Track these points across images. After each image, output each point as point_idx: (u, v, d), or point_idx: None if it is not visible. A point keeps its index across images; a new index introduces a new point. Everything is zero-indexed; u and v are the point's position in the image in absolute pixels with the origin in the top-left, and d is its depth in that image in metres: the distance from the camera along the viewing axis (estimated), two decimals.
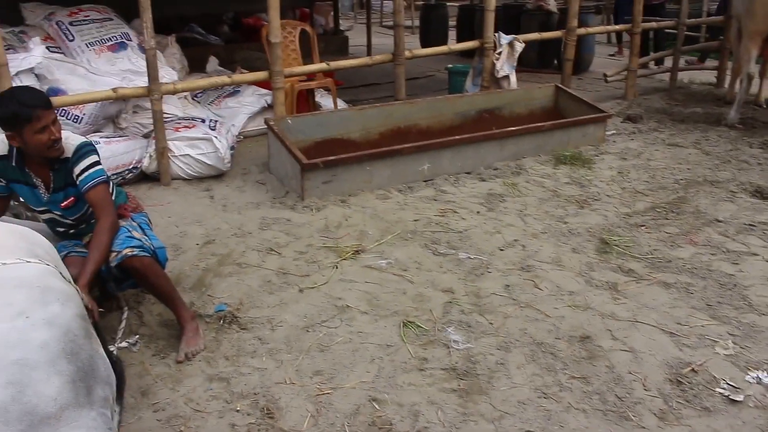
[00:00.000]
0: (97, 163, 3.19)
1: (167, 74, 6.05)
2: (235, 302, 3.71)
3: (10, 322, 2.15)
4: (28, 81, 5.33)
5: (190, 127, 5.64)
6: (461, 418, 2.84)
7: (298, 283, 3.92)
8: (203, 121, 5.84)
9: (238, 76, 6.11)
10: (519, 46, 7.11)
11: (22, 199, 3.49)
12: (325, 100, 7.38)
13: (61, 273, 2.59)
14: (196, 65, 7.88)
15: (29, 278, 2.38)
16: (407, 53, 6.58)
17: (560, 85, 7.01)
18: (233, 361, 3.24)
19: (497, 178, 5.62)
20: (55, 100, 5.30)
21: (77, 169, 3.15)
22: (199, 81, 6.05)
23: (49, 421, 2.02)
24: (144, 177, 5.61)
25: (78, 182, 3.16)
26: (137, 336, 3.41)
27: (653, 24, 9.09)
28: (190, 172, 5.52)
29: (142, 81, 5.90)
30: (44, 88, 5.48)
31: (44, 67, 5.51)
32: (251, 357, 3.27)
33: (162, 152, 5.36)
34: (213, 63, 8.23)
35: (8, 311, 2.17)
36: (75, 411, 2.10)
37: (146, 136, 5.95)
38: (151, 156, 5.46)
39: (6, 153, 3.19)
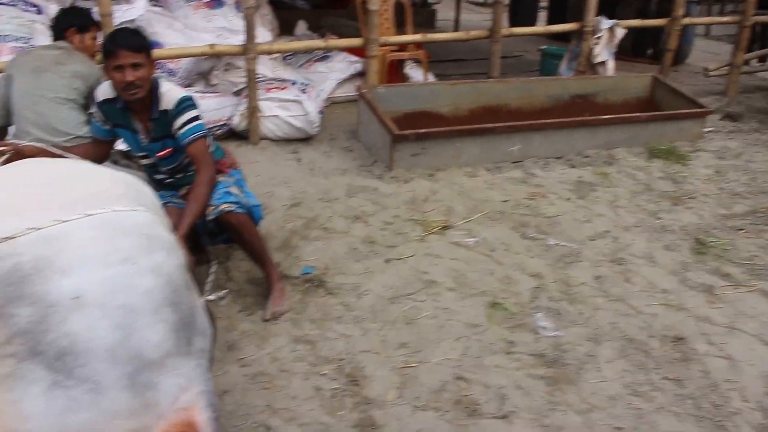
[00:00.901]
0: (198, 117, 3.20)
1: (261, 35, 6.06)
2: (321, 266, 3.71)
3: (117, 268, 2.16)
4: None
5: (281, 89, 5.64)
6: (548, 407, 2.78)
7: (384, 253, 3.89)
8: (294, 83, 5.84)
9: (332, 41, 6.06)
10: (620, 32, 6.87)
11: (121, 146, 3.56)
12: (413, 72, 7.29)
13: (164, 223, 2.62)
14: (283, 28, 7.89)
15: (136, 226, 2.40)
16: (504, 31, 6.43)
17: (658, 76, 6.76)
18: (319, 324, 3.24)
19: (588, 166, 5.46)
20: (153, 52, 5.38)
21: (178, 122, 3.16)
22: (293, 43, 6.05)
23: (153, 366, 2.03)
24: (233, 134, 5.65)
25: (178, 135, 3.17)
26: (226, 290, 3.45)
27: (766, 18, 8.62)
28: (278, 133, 5.53)
29: (236, 39, 5.93)
30: None
31: (144, 20, 5.59)
32: (337, 322, 3.26)
33: (252, 111, 5.38)
34: (302, 27, 8.23)
35: (115, 257, 2.19)
36: (177, 359, 2.11)
37: (236, 93, 5.99)
38: (241, 114, 5.48)
39: (113, 96, 3.23)
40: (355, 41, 5.89)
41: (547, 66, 7.99)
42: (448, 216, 4.38)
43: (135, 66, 3.05)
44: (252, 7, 5.19)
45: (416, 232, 4.14)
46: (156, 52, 5.13)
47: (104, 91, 3.26)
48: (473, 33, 6.46)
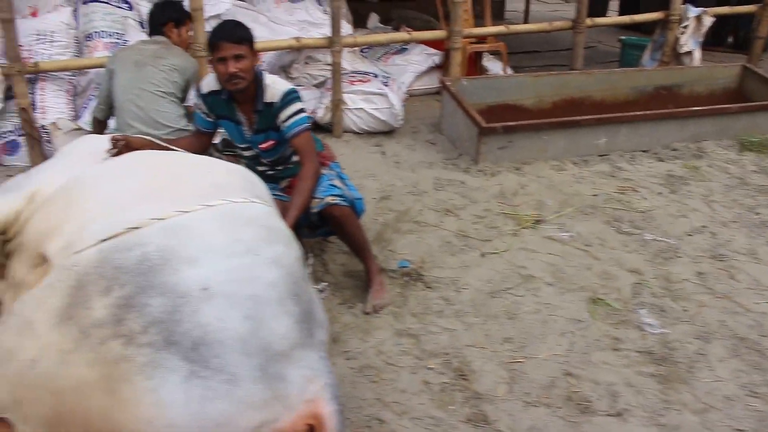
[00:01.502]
0: (303, 110, 3.22)
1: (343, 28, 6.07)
2: (417, 260, 3.70)
3: (240, 259, 2.19)
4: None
5: (364, 81, 5.64)
6: (663, 405, 2.71)
7: (478, 247, 3.85)
8: (376, 76, 5.84)
9: (416, 34, 6.04)
10: (708, 21, 6.67)
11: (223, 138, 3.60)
12: (491, 65, 7.21)
13: (278, 215, 2.64)
14: (354, 21, 7.89)
15: (256, 217, 2.43)
16: (588, 21, 6.30)
17: (748, 65, 6.53)
18: (420, 318, 3.23)
19: (676, 160, 5.31)
20: None
21: (282, 115, 3.19)
22: (378, 36, 6.05)
23: (282, 358, 2.05)
24: (316, 127, 5.67)
25: (283, 128, 3.20)
26: (325, 283, 3.46)
27: None
28: (362, 126, 5.54)
29: (318, 32, 5.97)
30: None
31: (230, 14, 5.65)
32: (438, 316, 3.24)
33: (337, 104, 5.40)
34: (374, 19, 8.23)
35: (237, 248, 2.22)
36: (302, 351, 2.13)
37: (317, 86, 6.02)
38: (326, 107, 5.51)
39: (218, 89, 3.27)
40: (438, 33, 5.87)
41: (627, 57, 7.81)
42: (539, 210, 4.32)
43: (237, 57, 3.09)
44: (338, 0, 5.20)
45: (509, 226, 4.09)
46: None
47: (209, 83, 3.31)
48: (557, 24, 6.36)
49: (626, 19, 6.96)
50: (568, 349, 3.03)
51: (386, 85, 5.67)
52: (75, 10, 5.34)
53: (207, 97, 3.32)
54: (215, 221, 2.29)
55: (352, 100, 5.48)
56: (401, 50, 7.01)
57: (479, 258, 3.74)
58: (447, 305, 3.33)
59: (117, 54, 4.06)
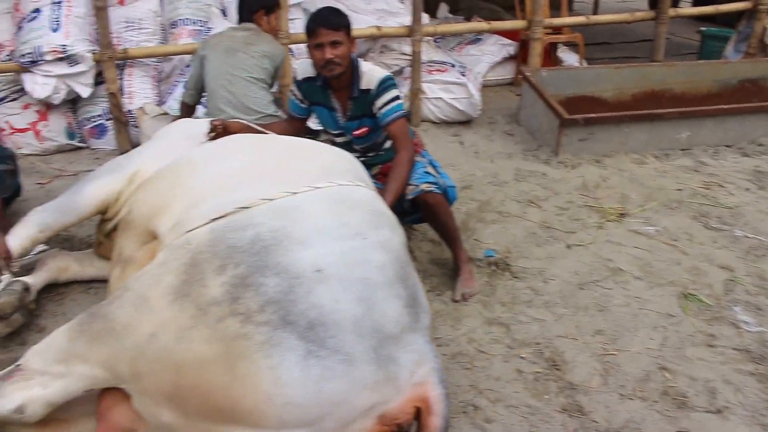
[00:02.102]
0: (398, 97, 3.24)
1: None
2: (502, 250, 3.69)
3: (350, 242, 2.22)
4: (297, 14, 5.53)
5: (442, 71, 5.64)
6: (765, 405, 2.65)
7: (563, 238, 3.83)
8: (453, 66, 5.82)
9: (495, 24, 6.01)
10: None
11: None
12: (566, 56, 7.12)
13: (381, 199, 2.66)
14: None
15: (362, 200, 2.46)
16: (671, 12, 6.16)
17: None
18: (509, 307, 3.23)
19: (763, 155, 5.15)
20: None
21: (379, 102, 3.21)
22: (458, 25, 6.05)
23: (392, 341, 2.07)
24: None
25: (378, 114, 3.22)
26: None
27: None
28: (440, 115, 5.54)
29: (394, 21, 5.97)
30: None
31: (309, 2, 5.71)
32: (527, 306, 3.23)
33: (415, 93, 5.41)
34: (443, 9, 8.19)
35: (346, 231, 2.25)
36: (410, 335, 2.15)
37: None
38: (404, 96, 5.51)
39: (314, 75, 3.31)
40: (518, 23, 5.83)
41: (707, 49, 7.60)
42: (623, 203, 4.25)
43: (334, 44, 3.12)
44: None
45: (593, 219, 4.05)
46: None
47: (304, 69, 3.35)
48: (638, 14, 6.24)
49: (711, 9, 6.77)
50: (662, 343, 2.98)
51: (463, 75, 5.65)
52: None
53: (302, 84, 3.36)
54: (323, 203, 2.32)
55: (430, 89, 5.48)
56: (475, 40, 6.97)
57: (565, 249, 3.71)
58: (535, 295, 3.31)
59: (208, 40, 4.14)
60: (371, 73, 3.22)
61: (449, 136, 5.35)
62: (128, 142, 5.05)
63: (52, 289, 3.43)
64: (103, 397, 2.27)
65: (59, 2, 4.88)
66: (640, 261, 3.61)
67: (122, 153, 5.00)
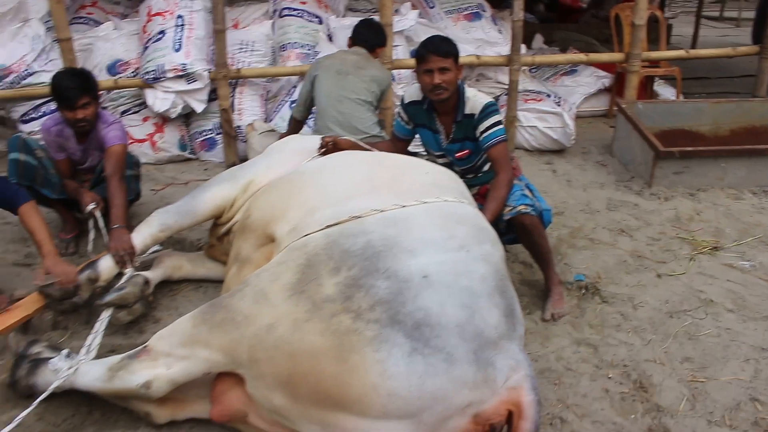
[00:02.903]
0: (500, 122, 3.40)
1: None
2: (593, 275, 3.77)
3: (455, 253, 2.39)
4: (399, 41, 5.77)
5: (537, 100, 5.77)
6: None
7: (654, 268, 3.87)
8: (548, 96, 5.93)
9: (593, 56, 6.11)
10: None
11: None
12: (662, 90, 7.12)
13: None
14: None
15: (467, 216, 2.63)
16: None
17: None
18: (598, 330, 3.31)
19: None
20: (412, 61, 5.69)
21: (482, 126, 3.37)
22: (556, 56, 6.19)
23: (491, 346, 2.22)
24: None
25: (481, 138, 3.38)
26: None
27: None
28: (533, 143, 5.66)
29: (492, 50, 6.13)
30: (409, 49, 5.92)
31: (413, 31, 5.95)
32: (616, 330, 3.30)
33: (511, 121, 5.55)
34: (538, 40, 8.29)
35: (452, 243, 2.42)
36: (507, 342, 2.29)
37: None
38: None
39: (420, 99, 3.51)
40: (616, 56, 5.90)
41: None
42: (717, 237, 4.26)
43: (442, 70, 3.31)
44: (520, 20, 5.36)
45: (685, 251, 4.07)
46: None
47: (411, 93, 3.56)
48: (741, 49, 6.21)
49: None
50: (753, 375, 3.00)
51: (558, 105, 5.76)
52: (273, 23, 5.80)
53: (408, 107, 3.57)
54: (430, 216, 2.51)
55: (525, 117, 5.61)
56: (570, 71, 7.06)
57: (655, 278, 3.76)
58: (624, 320, 3.38)
59: (321, 61, 4.41)
60: (475, 98, 3.40)
61: (542, 164, 5.46)
62: (235, 155, 5.37)
63: (165, 285, 3.71)
64: (218, 381, 2.50)
65: (182, 25, 5.27)
66: (734, 294, 3.62)
67: (229, 165, 5.33)
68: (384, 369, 2.07)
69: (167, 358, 2.50)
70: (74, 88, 3.83)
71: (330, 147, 3.35)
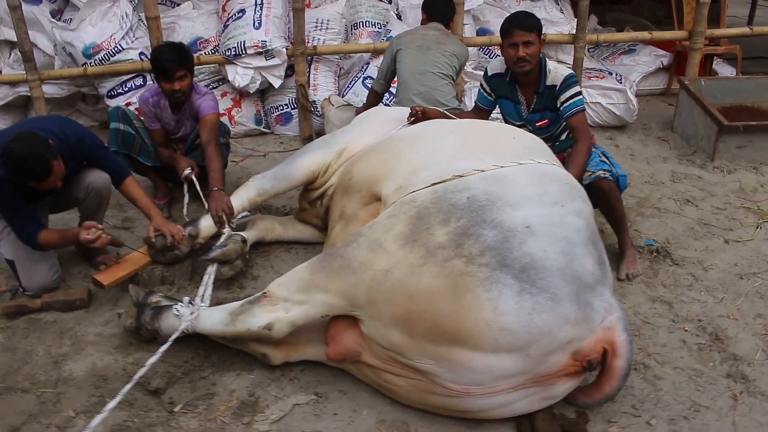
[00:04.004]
0: (580, 93, 3.61)
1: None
2: (662, 240, 3.97)
3: (551, 208, 2.63)
4: (466, 20, 5.96)
5: (600, 78, 5.92)
6: None
7: (721, 234, 4.06)
8: (610, 73, 6.08)
9: (657, 34, 6.23)
10: None
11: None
12: (721, 68, 7.20)
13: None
14: None
15: (558, 176, 2.86)
16: None
17: None
18: (671, 289, 3.52)
19: None
20: (481, 39, 5.92)
21: (562, 97, 3.59)
22: (620, 34, 6.33)
23: (588, 289, 2.46)
24: None
25: (561, 108, 3.59)
26: None
27: None
28: (596, 119, 5.82)
29: (553, 29, 6.29)
30: (475, 27, 6.12)
31: (479, 10, 6.15)
32: (688, 289, 3.51)
33: None
34: (592, 21, 8.37)
35: (547, 198, 2.66)
36: (601, 287, 2.53)
37: None
38: None
39: (503, 71, 3.74)
40: (679, 33, 6.03)
41: None
42: None
43: (527, 44, 3.53)
44: (586, 0, 5.53)
45: (750, 219, 4.25)
46: (488, 39, 5.71)
47: (494, 66, 3.78)
48: None
49: None
50: None
51: (620, 83, 5.91)
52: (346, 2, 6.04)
53: (491, 79, 3.79)
54: (526, 175, 2.74)
55: (589, 94, 5.76)
56: (629, 50, 7.17)
57: (723, 244, 3.95)
58: (695, 281, 3.58)
59: (401, 37, 4.63)
60: (557, 71, 3.61)
61: (604, 139, 5.62)
62: (311, 129, 5.63)
63: (258, 247, 3.99)
64: (333, 323, 2.77)
65: (261, 4, 5.52)
66: None
67: (305, 138, 5.62)
68: (496, 306, 2.32)
69: (285, 302, 2.78)
70: (172, 60, 4.10)
71: (419, 116, 3.59)
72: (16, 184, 3.31)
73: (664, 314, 3.31)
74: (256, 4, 5.53)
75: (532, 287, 2.34)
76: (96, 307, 3.51)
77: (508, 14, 6.17)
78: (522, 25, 3.53)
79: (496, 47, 6.10)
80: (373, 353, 2.67)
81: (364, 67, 5.78)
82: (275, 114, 5.81)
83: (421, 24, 4.81)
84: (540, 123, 3.73)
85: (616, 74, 6.13)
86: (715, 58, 7.15)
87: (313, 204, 3.86)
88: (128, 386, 2.66)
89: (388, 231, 2.62)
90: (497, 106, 3.92)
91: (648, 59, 6.98)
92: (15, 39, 5.68)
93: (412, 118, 3.62)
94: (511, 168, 2.77)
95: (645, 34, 6.17)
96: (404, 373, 2.59)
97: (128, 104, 5.42)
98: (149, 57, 4.33)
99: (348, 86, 5.80)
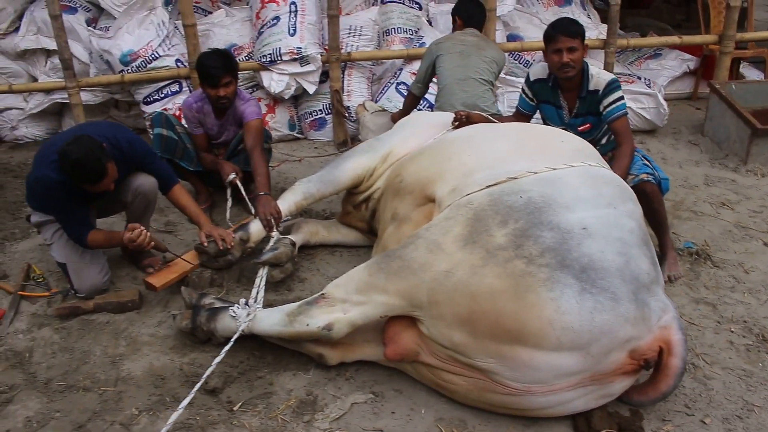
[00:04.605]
0: (622, 97, 3.67)
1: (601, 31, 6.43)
2: (701, 243, 4.02)
3: (605, 209, 2.69)
4: (497, 26, 6.02)
5: (630, 82, 5.97)
6: None
7: (760, 237, 4.11)
8: (639, 78, 6.13)
9: (687, 38, 6.27)
10: None
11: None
12: (748, 72, 7.23)
13: None
14: None
15: (610, 178, 2.93)
16: None
17: None
18: (714, 291, 3.57)
19: None
20: (512, 45, 5.98)
21: (605, 101, 3.65)
22: (650, 39, 6.39)
23: (644, 289, 2.53)
24: None
25: (604, 112, 3.66)
26: None
27: None
28: None
29: None
30: (506, 33, 6.19)
31: (509, 16, 6.21)
32: (731, 291, 3.56)
33: None
34: None
35: (601, 201, 2.72)
36: (656, 287, 2.60)
37: None
38: None
39: (545, 76, 3.81)
40: (709, 37, 6.08)
41: None
42: None
43: (570, 50, 3.60)
44: (617, 4, 5.59)
45: None
46: (519, 45, 5.77)
47: (536, 71, 3.85)
48: None
49: None
50: None
51: (648, 87, 5.96)
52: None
53: (534, 84, 3.86)
54: (579, 178, 2.81)
55: None
56: (655, 55, 7.21)
57: (763, 246, 3.99)
58: (737, 283, 3.63)
59: (440, 43, 4.69)
60: (599, 75, 3.67)
61: (636, 143, 5.65)
62: (345, 134, 5.71)
63: (303, 250, 4.06)
64: (391, 324, 2.83)
65: (295, 11, 5.61)
66: None
67: (339, 143, 5.69)
68: (558, 305, 2.39)
69: (344, 303, 2.84)
70: (218, 67, 4.18)
71: (463, 121, 3.66)
72: (70, 187, 3.40)
73: (709, 315, 3.36)
74: (290, 12, 5.62)
75: (592, 287, 2.41)
76: (147, 309, 3.59)
77: (536, 20, 6.33)
78: (566, 31, 3.60)
79: (526, 53, 6.17)
80: (432, 353, 2.73)
81: (397, 73, 5.86)
82: (309, 119, 5.90)
83: (456, 30, 4.88)
84: (582, 127, 3.80)
85: (645, 79, 6.19)
86: (742, 61, 7.19)
87: (357, 207, 3.93)
88: (198, 385, 2.75)
89: (447, 233, 2.69)
90: (538, 110, 3.98)
91: (674, 63, 7.01)
92: (51, 47, 5.82)
93: (456, 123, 3.68)
94: (563, 170, 2.83)
95: (675, 39, 6.22)
96: (464, 372, 2.65)
97: (165, 110, 5.52)
98: (195, 63, 4.40)
99: (381, 92, 5.88)
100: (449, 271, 2.58)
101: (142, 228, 3.47)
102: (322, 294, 2.93)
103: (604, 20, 8.41)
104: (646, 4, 12.09)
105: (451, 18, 4.99)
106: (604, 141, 3.86)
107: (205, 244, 3.63)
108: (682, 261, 3.82)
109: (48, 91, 5.92)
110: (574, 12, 6.71)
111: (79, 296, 3.67)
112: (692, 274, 3.71)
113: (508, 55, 6.16)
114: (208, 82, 4.24)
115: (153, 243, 3.55)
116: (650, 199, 3.59)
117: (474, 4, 4.87)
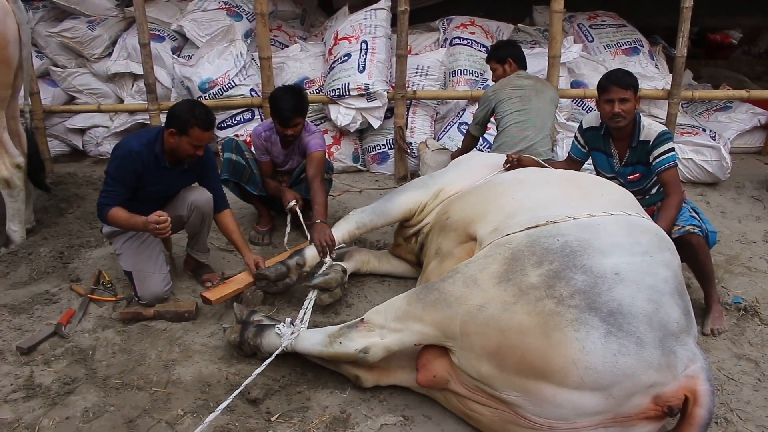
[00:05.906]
0: (673, 149, 3.72)
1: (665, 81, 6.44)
2: (750, 299, 3.99)
3: (640, 257, 2.75)
4: (562, 72, 6.13)
5: (694, 134, 5.97)
6: None
7: None
8: (704, 130, 6.12)
9: (756, 92, 6.24)
10: None
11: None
12: None
13: None
14: None
15: (649, 227, 2.99)
16: None
17: None
18: (758, 348, 3.54)
19: None
20: (575, 92, 6.06)
21: (656, 152, 3.71)
22: (715, 92, 6.36)
23: (672, 337, 2.56)
24: None
25: (654, 163, 3.72)
26: None
27: None
28: (687, 175, 5.86)
29: (647, 84, 6.38)
30: (570, 80, 6.28)
31: (574, 63, 6.31)
32: None
33: None
34: (687, 76, 8.38)
35: (638, 248, 2.78)
36: (685, 336, 2.63)
37: None
38: None
39: (597, 125, 3.90)
40: None
41: None
42: None
43: (623, 100, 3.69)
44: (683, 56, 5.63)
45: None
46: (582, 92, 5.85)
47: (589, 120, 3.95)
48: None
49: None
50: None
51: (714, 140, 5.94)
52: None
53: (586, 132, 3.96)
54: (618, 225, 2.88)
55: (681, 149, 5.82)
56: (725, 107, 7.17)
57: None
58: None
59: (497, 90, 4.72)
60: (650, 127, 3.74)
61: (695, 195, 5.66)
62: (406, 169, 5.89)
63: (353, 277, 4.22)
64: (424, 352, 2.95)
65: (366, 49, 5.87)
66: None
67: (399, 178, 5.87)
68: (583, 346, 2.46)
69: (382, 329, 2.99)
70: (291, 110, 4.38)
71: (514, 163, 3.78)
72: (142, 161, 3.76)
73: (750, 372, 3.34)
74: (361, 50, 5.87)
75: (618, 330, 2.47)
76: (202, 321, 3.81)
77: (602, 68, 6.41)
78: (619, 82, 3.70)
79: (589, 99, 6.25)
80: (461, 382, 2.84)
81: (460, 113, 6.03)
82: (372, 153, 6.10)
83: (508, 73, 4.86)
84: (632, 177, 3.86)
85: (710, 131, 6.17)
86: None
87: (408, 240, 4.07)
88: (236, 392, 2.92)
89: (484, 269, 2.80)
90: (590, 157, 4.07)
91: (744, 117, 6.96)
92: (138, 72, 6.23)
93: (508, 165, 3.80)
94: (602, 217, 2.91)
95: (742, 93, 6.19)
96: (490, 403, 2.74)
97: (236, 136, 5.81)
98: (268, 94, 4.63)
99: (444, 130, 6.05)
100: (482, 306, 2.69)
101: (168, 218, 3.65)
102: (362, 319, 3.08)
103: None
104: (725, 55, 11.98)
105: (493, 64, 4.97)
106: (654, 191, 3.91)
107: (261, 268, 3.84)
108: (728, 316, 3.81)
109: (132, 112, 6.32)
110: (642, 62, 6.77)
111: (141, 303, 3.92)
112: (737, 330, 3.70)
113: (572, 101, 6.26)
114: (279, 122, 4.44)
115: (169, 233, 3.78)
116: (696, 250, 3.61)
117: (516, 45, 4.99)
